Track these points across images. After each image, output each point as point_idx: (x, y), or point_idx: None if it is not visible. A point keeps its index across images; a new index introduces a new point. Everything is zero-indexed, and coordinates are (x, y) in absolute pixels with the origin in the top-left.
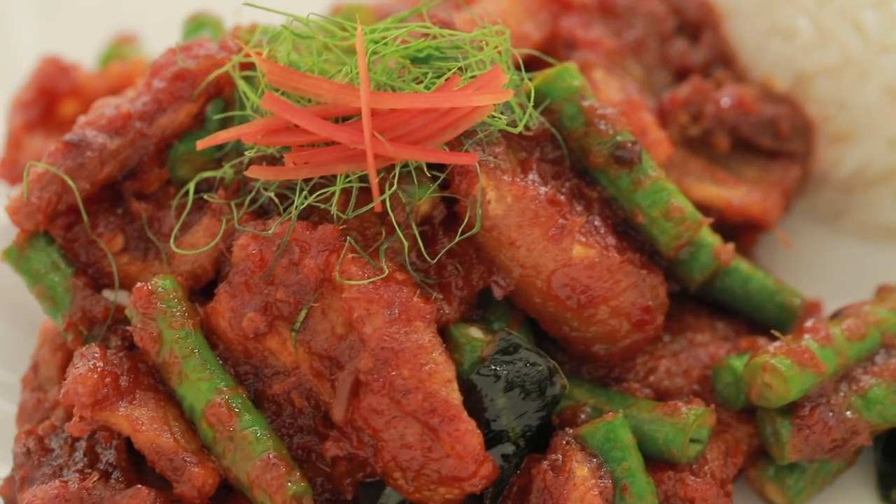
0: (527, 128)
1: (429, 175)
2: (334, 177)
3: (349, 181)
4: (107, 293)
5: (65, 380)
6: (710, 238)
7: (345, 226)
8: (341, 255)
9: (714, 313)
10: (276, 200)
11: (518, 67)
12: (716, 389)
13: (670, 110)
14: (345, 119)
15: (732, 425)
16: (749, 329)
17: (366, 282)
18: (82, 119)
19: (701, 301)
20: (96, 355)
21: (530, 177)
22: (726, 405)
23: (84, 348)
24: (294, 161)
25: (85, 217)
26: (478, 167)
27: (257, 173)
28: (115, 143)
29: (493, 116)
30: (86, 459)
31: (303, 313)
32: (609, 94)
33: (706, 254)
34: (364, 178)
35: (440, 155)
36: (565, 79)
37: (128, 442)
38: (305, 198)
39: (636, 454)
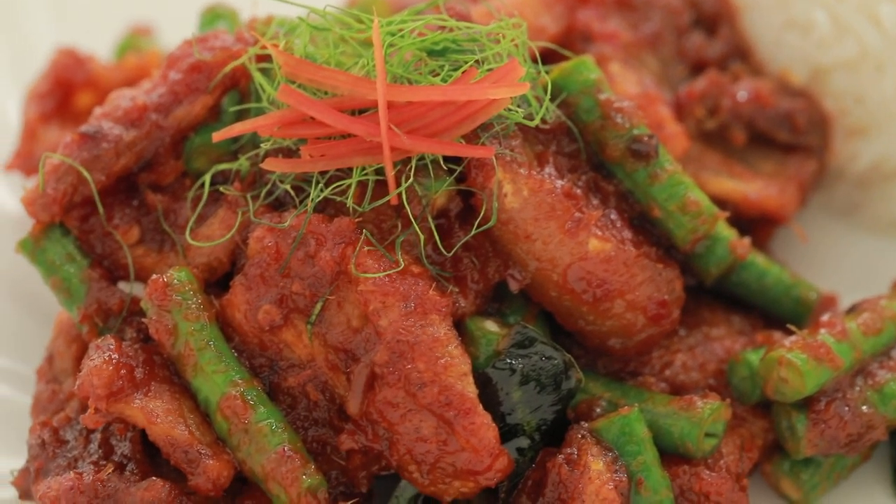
0: (543, 121)
1: (445, 168)
2: (350, 169)
3: (365, 174)
4: (122, 285)
5: (80, 371)
6: (727, 232)
7: (361, 218)
8: (357, 248)
9: (730, 307)
10: (292, 193)
11: (535, 60)
12: (731, 384)
13: (687, 104)
14: (361, 112)
15: (748, 420)
16: (765, 323)
17: (382, 275)
18: (98, 111)
19: (717, 295)
20: (111, 347)
21: (547, 170)
22: (742, 399)
23: (99, 340)
24: (310, 153)
25: (100, 209)
26: (494, 160)
27: (273, 166)
28: (130, 134)
29: (510, 109)
30: (100, 451)
31: (318, 306)
32: (626, 87)
33: (722, 248)
34: (380, 171)
35: (457, 148)
36: (582, 72)
37: (143, 434)
38: (321, 190)
39: (651, 448)
